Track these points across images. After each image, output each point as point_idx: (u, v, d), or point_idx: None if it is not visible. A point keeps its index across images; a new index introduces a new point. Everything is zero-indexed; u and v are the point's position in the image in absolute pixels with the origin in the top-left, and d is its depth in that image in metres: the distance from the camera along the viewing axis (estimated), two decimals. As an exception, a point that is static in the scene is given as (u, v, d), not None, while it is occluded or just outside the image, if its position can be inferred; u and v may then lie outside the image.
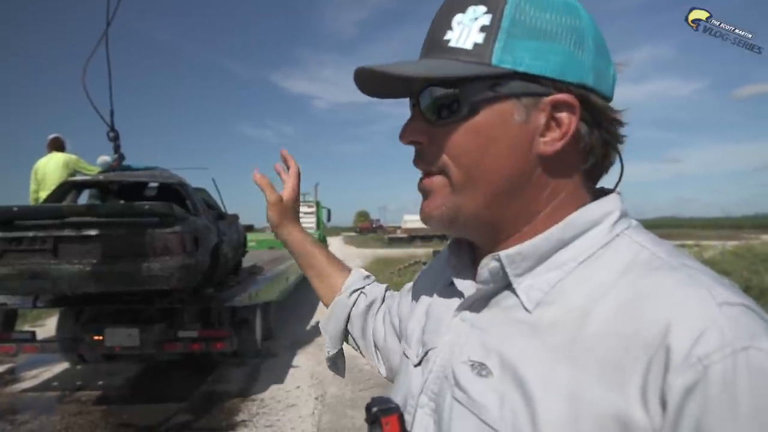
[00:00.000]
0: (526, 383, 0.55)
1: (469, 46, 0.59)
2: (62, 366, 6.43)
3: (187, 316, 5.48)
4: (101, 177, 5.62)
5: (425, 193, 0.66)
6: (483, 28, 0.59)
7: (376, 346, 1.00)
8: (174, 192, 5.81)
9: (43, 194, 5.99)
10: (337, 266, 1.09)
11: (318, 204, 17.15)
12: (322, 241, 15.45)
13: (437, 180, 0.64)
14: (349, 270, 1.10)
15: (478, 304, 0.66)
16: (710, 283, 0.51)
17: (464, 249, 0.74)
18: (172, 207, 4.55)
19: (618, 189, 0.68)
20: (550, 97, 0.59)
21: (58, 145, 6.38)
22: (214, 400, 5.27)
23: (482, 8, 0.59)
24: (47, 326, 7.57)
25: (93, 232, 4.29)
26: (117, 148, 5.88)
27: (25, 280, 4.28)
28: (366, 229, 72.70)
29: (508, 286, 0.62)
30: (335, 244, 38.40)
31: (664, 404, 0.46)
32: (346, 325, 1.04)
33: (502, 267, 0.62)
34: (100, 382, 5.92)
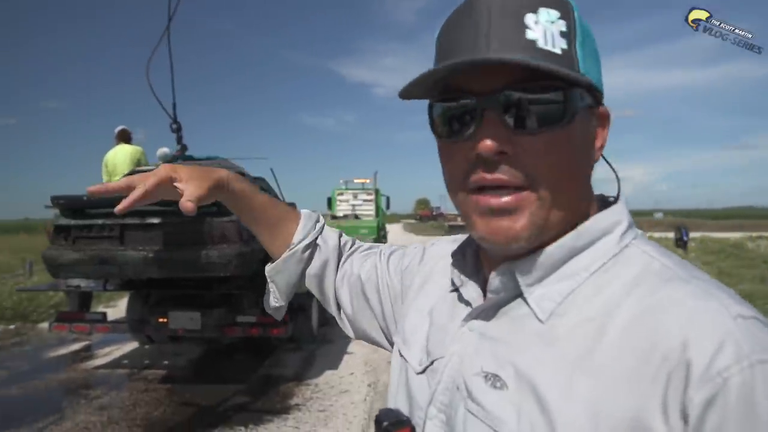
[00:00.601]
0: (544, 395, 0.54)
1: (557, 50, 0.56)
2: (132, 345, 6.82)
3: (246, 302, 5.66)
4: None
5: (507, 210, 0.58)
6: (563, 34, 0.57)
7: (339, 307, 0.98)
8: (234, 181, 6.00)
9: (114, 185, 6.30)
10: (284, 213, 0.98)
11: (377, 192, 17.19)
12: (381, 228, 15.56)
13: (525, 196, 0.57)
14: (296, 213, 0.99)
15: (486, 313, 0.65)
16: (722, 296, 0.52)
17: (468, 257, 0.73)
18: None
19: (620, 197, 0.67)
20: (601, 109, 0.64)
21: (125, 137, 6.68)
22: (271, 383, 5.45)
23: (556, 12, 0.57)
24: (119, 307, 8.00)
25: (156, 221, 4.50)
26: (179, 139, 6.12)
27: (95, 264, 4.56)
28: (426, 217, 72.62)
29: (519, 296, 0.62)
30: (395, 230, 38.67)
31: (685, 417, 0.47)
32: (298, 280, 0.98)
33: (514, 276, 0.61)
34: (166, 362, 6.24)
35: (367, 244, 1.04)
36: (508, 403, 0.57)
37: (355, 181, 18.06)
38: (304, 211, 1.01)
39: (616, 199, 0.67)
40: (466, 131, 0.58)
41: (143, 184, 0.80)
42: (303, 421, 4.53)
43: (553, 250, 0.60)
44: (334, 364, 6.09)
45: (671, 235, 21.75)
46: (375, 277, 0.91)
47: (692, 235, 22.17)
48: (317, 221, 1.00)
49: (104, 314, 5.58)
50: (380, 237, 14.49)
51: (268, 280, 0.98)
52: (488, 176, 0.57)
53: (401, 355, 0.77)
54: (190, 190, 0.82)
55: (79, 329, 5.43)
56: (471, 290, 0.69)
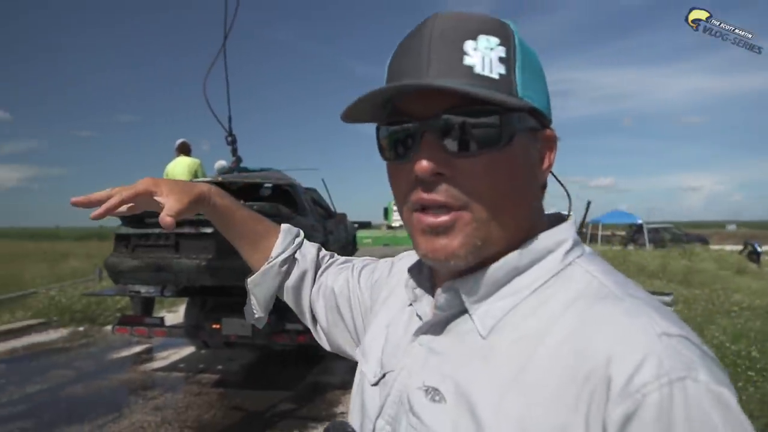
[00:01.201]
0: (478, 410, 0.56)
1: (495, 75, 0.58)
2: (189, 349, 7.08)
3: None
4: (220, 178, 6.08)
5: (441, 230, 0.60)
6: (502, 60, 0.58)
7: (315, 319, 1.01)
8: (285, 192, 6.16)
9: (171, 195, 6.54)
10: (265, 228, 1.02)
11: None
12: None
13: (461, 216, 0.59)
14: (277, 229, 1.03)
15: (435, 328, 0.67)
16: (651, 313, 0.53)
17: (424, 272, 0.75)
18: (279, 207, 4.84)
19: (570, 214, 0.69)
20: (547, 132, 0.65)
21: (185, 149, 6.95)
22: (318, 391, 5.54)
23: (495, 39, 0.59)
24: (180, 312, 8.33)
25: (208, 230, 4.67)
26: (234, 151, 6.36)
27: (152, 271, 4.78)
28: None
29: (466, 312, 0.64)
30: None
31: None
32: (276, 292, 1.02)
33: (459, 293, 0.63)
34: (219, 367, 6.45)
35: (343, 258, 1.06)
36: (445, 417, 0.59)
37: None
38: (283, 226, 1.04)
39: (567, 216, 0.68)
40: (408, 153, 0.61)
41: (120, 193, 0.83)
42: (346, 429, 4.57)
43: (496, 269, 0.62)
44: (381, 374, 6.11)
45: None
46: (347, 291, 0.94)
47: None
48: (296, 236, 1.04)
49: (162, 319, 5.82)
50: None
51: (249, 292, 1.02)
52: (426, 196, 0.59)
53: (362, 368, 0.79)
54: (169, 204, 0.85)
55: (138, 332, 5.69)
56: (424, 305, 0.71)
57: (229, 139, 6.24)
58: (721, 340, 6.34)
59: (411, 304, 0.75)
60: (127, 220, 4.99)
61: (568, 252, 0.63)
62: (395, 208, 17.50)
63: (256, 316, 1.03)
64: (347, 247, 7.56)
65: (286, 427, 4.58)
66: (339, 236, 6.85)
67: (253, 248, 1.01)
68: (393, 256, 0.97)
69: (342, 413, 4.94)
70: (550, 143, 0.66)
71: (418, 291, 0.73)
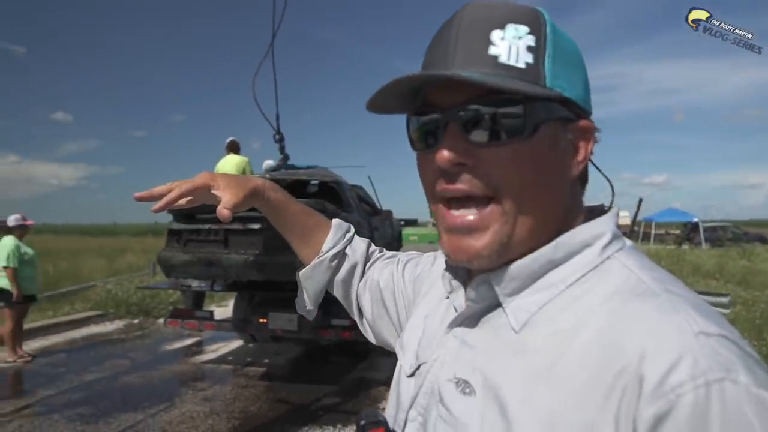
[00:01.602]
0: (507, 404, 0.55)
1: (521, 64, 0.57)
2: (238, 343, 7.26)
3: (340, 306, 5.82)
4: (268, 176, 6.20)
5: (470, 229, 0.60)
6: (530, 49, 0.57)
7: (361, 312, 1.02)
8: (331, 189, 6.23)
9: (220, 192, 6.68)
10: (316, 222, 1.03)
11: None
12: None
13: (490, 211, 0.59)
14: (328, 223, 1.04)
15: (469, 321, 0.66)
16: (690, 310, 0.51)
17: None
18: (324, 204, 4.89)
19: (613, 207, 0.67)
20: (581, 122, 0.62)
21: (234, 147, 7.10)
22: (362, 386, 5.59)
23: (525, 28, 0.58)
24: (228, 307, 8.54)
25: (256, 226, 4.77)
26: (282, 149, 6.47)
27: (203, 266, 4.92)
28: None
29: (499, 305, 0.63)
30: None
31: (635, 431, 0.46)
32: (326, 286, 1.03)
33: (492, 286, 0.62)
34: (266, 360, 6.58)
35: (390, 253, 1.06)
36: (473, 410, 0.58)
37: None
38: (335, 221, 1.05)
39: (608, 209, 0.66)
40: (432, 143, 0.61)
41: (179, 187, 0.86)
42: (390, 425, 4.60)
43: (530, 262, 0.60)
44: (426, 371, 6.11)
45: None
46: (392, 284, 0.94)
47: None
48: (347, 231, 1.05)
49: (211, 313, 5.98)
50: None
51: (300, 285, 1.03)
52: (449, 186, 0.59)
53: (400, 360, 0.79)
54: (226, 198, 0.87)
55: (189, 326, 5.86)
56: (459, 298, 0.71)
57: (277, 137, 6.35)
58: (782, 344, 6.06)
59: (448, 297, 0.74)
60: (180, 215, 5.15)
61: (606, 246, 0.61)
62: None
63: (307, 308, 1.05)
64: (392, 244, 7.58)
65: (329, 421, 4.64)
66: (384, 233, 6.88)
67: (304, 242, 1.03)
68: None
69: (384, 409, 4.96)
70: (587, 134, 0.63)
71: (455, 283, 0.73)
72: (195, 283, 5.96)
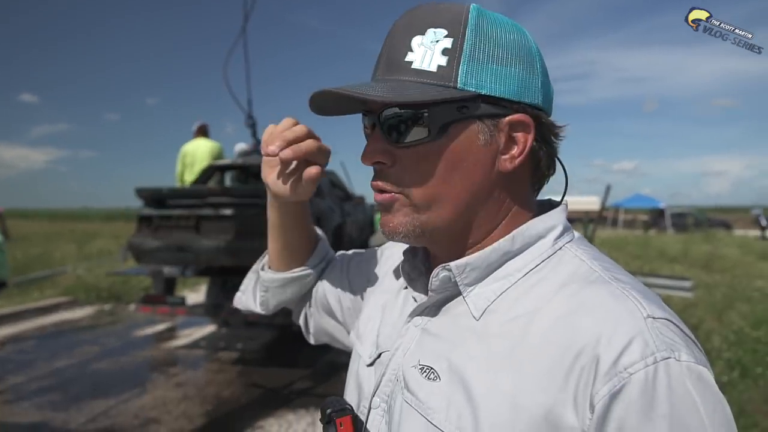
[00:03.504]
0: (471, 388, 0.59)
1: (433, 68, 0.60)
2: (210, 328, 7.24)
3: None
4: (241, 161, 6.17)
5: (385, 207, 0.67)
6: (445, 51, 0.60)
7: (307, 322, 1.03)
8: (303, 175, 6.21)
9: (189, 177, 6.63)
10: (310, 229, 0.97)
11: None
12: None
13: (397, 197, 0.66)
14: (316, 233, 1.00)
15: (430, 310, 0.71)
16: (638, 297, 0.56)
17: (419, 256, 0.79)
18: (296, 189, 4.91)
19: (564, 200, 0.73)
20: (509, 118, 0.63)
21: (204, 131, 6.95)
22: (335, 369, 5.64)
23: (442, 31, 0.61)
24: (200, 292, 8.51)
25: (228, 212, 4.77)
26: (254, 134, 6.44)
27: (173, 252, 4.90)
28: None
29: (459, 294, 0.68)
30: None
31: (592, 408, 0.51)
32: (290, 299, 0.99)
33: (452, 276, 0.67)
34: (239, 345, 6.59)
35: (339, 253, 1.06)
36: (439, 394, 0.62)
37: None
38: (322, 237, 1.02)
39: (559, 203, 0.72)
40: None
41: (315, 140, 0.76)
42: (362, 407, 4.67)
43: (488, 254, 0.66)
44: (398, 355, 6.20)
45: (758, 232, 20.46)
46: (339, 280, 0.97)
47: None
48: (328, 250, 1.02)
49: (184, 298, 5.95)
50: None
51: (255, 283, 1.01)
52: (373, 182, 0.68)
53: (356, 351, 0.83)
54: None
55: (161, 311, 5.82)
56: (419, 288, 0.75)
57: (249, 121, 6.32)
58: (741, 325, 6.29)
59: (406, 287, 0.79)
60: (151, 201, 5.11)
61: (558, 237, 0.67)
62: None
63: (256, 312, 1.02)
64: (365, 229, 7.63)
65: (303, 405, 4.69)
66: (356, 218, 6.92)
67: (291, 245, 0.95)
68: None
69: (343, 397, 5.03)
70: (524, 128, 0.64)
71: (413, 274, 0.77)
72: (166, 269, 5.92)
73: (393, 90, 0.61)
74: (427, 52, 0.61)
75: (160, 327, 7.45)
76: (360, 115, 0.71)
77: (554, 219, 0.68)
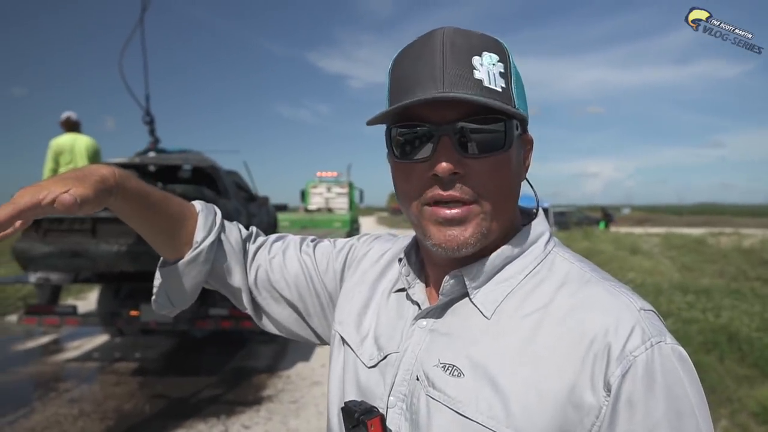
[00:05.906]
0: (496, 380, 0.66)
1: (499, 88, 0.67)
2: (102, 338, 6.78)
3: (218, 295, 5.61)
4: (138, 160, 5.84)
5: (458, 221, 0.68)
6: (502, 75, 0.68)
7: (255, 303, 0.99)
8: (207, 175, 6.00)
9: (66, 174, 5.98)
10: (181, 207, 0.91)
11: (351, 185, 17.16)
12: (354, 222, 15.56)
13: (472, 209, 0.68)
14: (193, 208, 0.93)
15: (434, 312, 0.76)
16: (627, 293, 0.68)
17: (413, 260, 0.83)
18: (203, 191, 4.73)
19: (537, 210, 0.81)
20: (527, 136, 0.77)
21: (73, 125, 6.27)
22: (243, 375, 5.51)
23: (495, 56, 0.68)
24: (89, 299, 7.94)
25: (129, 214, 4.48)
26: (152, 132, 6.12)
27: (67, 258, 4.54)
28: (399, 210, 72.68)
29: (464, 296, 0.74)
30: (367, 224, 38.80)
31: (608, 387, 0.61)
32: (206, 278, 0.95)
33: (464, 281, 0.73)
34: (137, 355, 6.24)
35: (276, 235, 1.04)
36: (466, 388, 0.68)
37: (322, 175, 17.62)
38: (197, 203, 0.95)
39: (536, 211, 0.80)
40: (423, 154, 0.68)
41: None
42: (275, 412, 4.61)
43: (494, 258, 0.73)
44: (306, 356, 6.18)
45: (637, 230, 22.77)
46: (303, 276, 0.96)
47: (656, 230, 22.90)
48: (215, 214, 0.95)
49: (75, 307, 5.53)
50: (353, 230, 14.50)
51: (162, 282, 0.94)
52: (444, 193, 0.68)
53: (346, 343, 0.85)
54: (78, 191, 0.71)
55: (49, 322, 5.38)
56: (419, 292, 0.80)
57: (147, 118, 5.99)
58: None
59: (401, 290, 0.83)
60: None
61: (546, 243, 0.77)
62: (312, 191, 17.01)
63: (176, 307, 0.97)
64: (269, 230, 7.43)
65: (212, 413, 4.54)
66: (261, 219, 6.78)
67: (170, 234, 0.90)
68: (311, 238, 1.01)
69: (269, 396, 4.95)
70: (529, 146, 0.78)
71: (411, 278, 0.82)
72: (55, 277, 5.47)
73: (493, 101, 0.65)
74: (490, 72, 0.67)
75: (44, 340, 6.86)
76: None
77: (542, 226, 0.78)
